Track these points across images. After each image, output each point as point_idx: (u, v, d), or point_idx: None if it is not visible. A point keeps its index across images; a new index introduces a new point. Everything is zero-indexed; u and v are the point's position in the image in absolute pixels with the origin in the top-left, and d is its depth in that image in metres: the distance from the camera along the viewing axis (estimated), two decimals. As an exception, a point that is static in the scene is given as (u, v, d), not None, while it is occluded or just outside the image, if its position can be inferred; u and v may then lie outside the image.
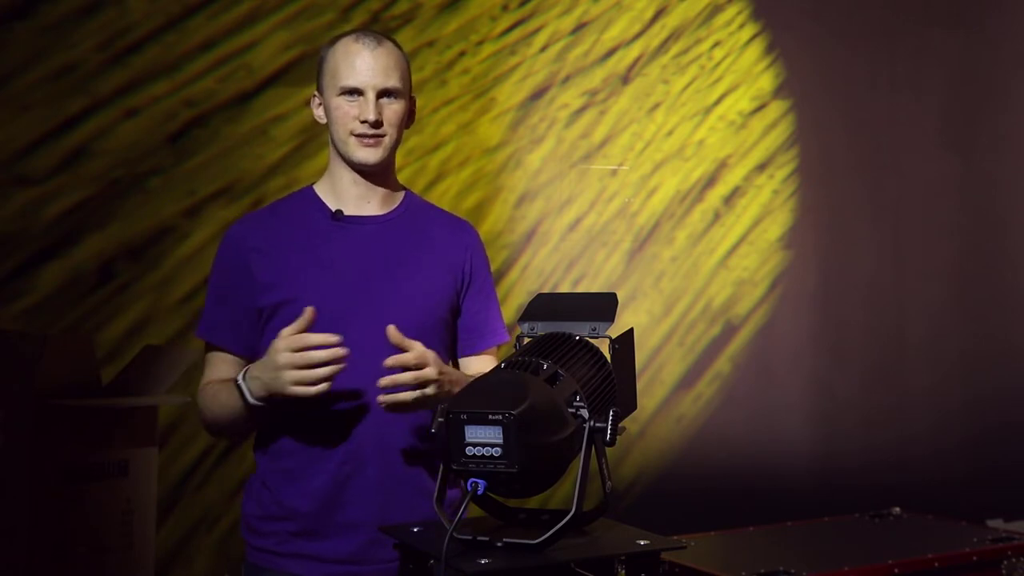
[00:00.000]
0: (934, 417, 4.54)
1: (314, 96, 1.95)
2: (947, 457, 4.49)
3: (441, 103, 3.58)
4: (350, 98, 1.86)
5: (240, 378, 1.77)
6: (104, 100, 3.05)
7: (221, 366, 1.91)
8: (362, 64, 1.85)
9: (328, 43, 1.92)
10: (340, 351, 1.68)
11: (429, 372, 1.72)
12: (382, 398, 1.73)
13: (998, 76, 4.82)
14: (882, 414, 4.43)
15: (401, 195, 2.00)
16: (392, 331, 1.73)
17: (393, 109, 1.88)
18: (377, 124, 1.85)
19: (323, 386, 1.68)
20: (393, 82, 1.87)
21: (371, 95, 1.85)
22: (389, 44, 1.90)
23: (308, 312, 1.70)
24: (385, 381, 1.71)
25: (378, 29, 3.34)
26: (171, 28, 3.14)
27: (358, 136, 1.86)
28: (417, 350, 1.73)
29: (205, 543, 3.11)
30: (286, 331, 1.69)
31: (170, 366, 2.52)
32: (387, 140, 1.88)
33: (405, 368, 1.72)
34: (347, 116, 1.86)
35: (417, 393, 1.72)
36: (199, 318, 1.95)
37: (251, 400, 1.75)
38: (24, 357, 2.31)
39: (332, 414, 1.83)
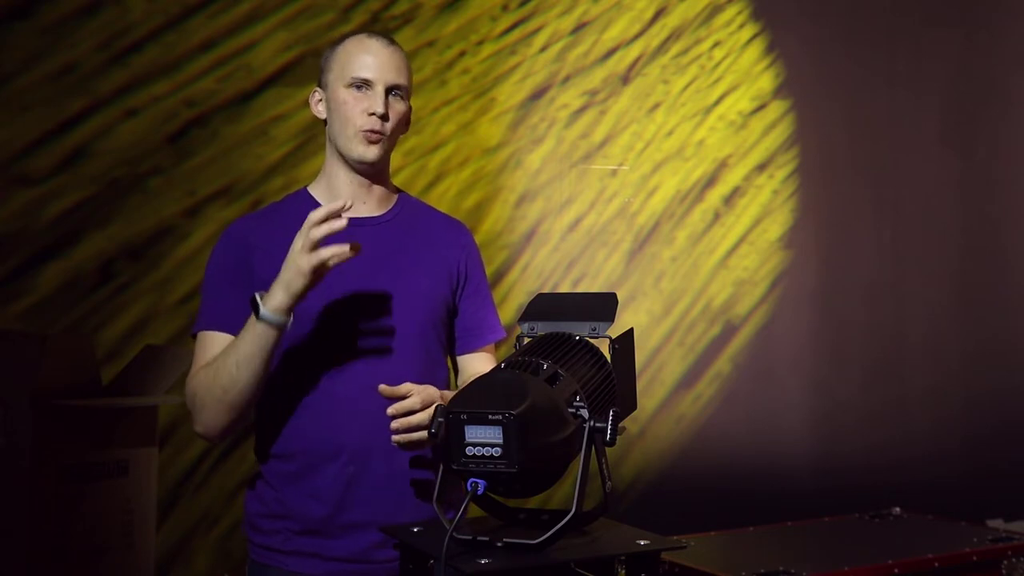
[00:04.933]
0: (934, 417, 4.54)
1: (315, 92, 1.94)
2: (947, 457, 4.49)
3: (441, 103, 3.58)
4: (358, 91, 1.86)
5: (256, 293, 1.73)
6: (104, 100, 3.05)
7: (217, 348, 1.83)
8: (375, 59, 1.87)
9: (335, 42, 1.93)
10: (339, 222, 1.67)
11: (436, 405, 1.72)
12: (398, 438, 1.73)
13: (998, 76, 4.83)
14: (882, 414, 4.43)
15: (396, 196, 2.00)
16: (383, 388, 1.74)
17: (398, 109, 1.89)
18: (385, 117, 1.86)
19: (336, 248, 1.67)
20: (403, 80, 1.89)
21: (380, 88, 1.86)
22: (399, 48, 1.93)
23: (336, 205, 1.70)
24: (400, 424, 1.72)
25: (378, 29, 3.36)
26: (171, 28, 3.14)
27: (365, 132, 1.86)
28: (418, 392, 1.74)
29: (205, 543, 3.11)
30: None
31: (170, 366, 2.52)
32: (388, 138, 1.89)
33: (411, 412, 1.73)
34: (354, 110, 1.86)
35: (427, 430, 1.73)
36: (196, 320, 1.89)
37: (262, 310, 1.69)
38: (24, 357, 2.31)
39: (334, 415, 1.83)
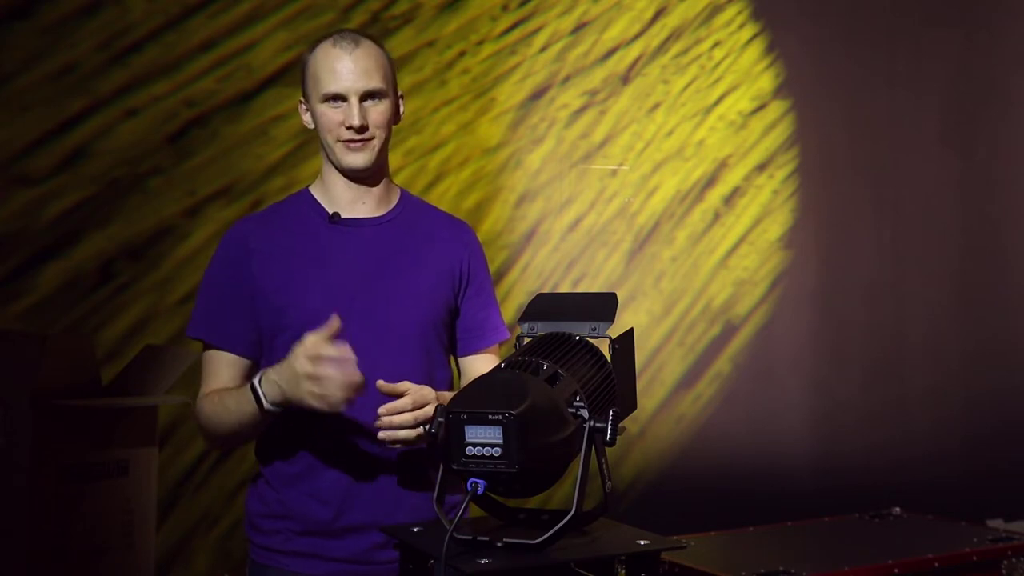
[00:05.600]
0: (934, 417, 4.54)
1: (300, 102, 1.93)
2: (947, 457, 4.49)
3: (441, 103, 3.58)
4: (334, 104, 1.85)
5: (256, 381, 1.73)
6: (104, 100, 3.05)
7: (223, 370, 1.87)
8: (342, 68, 1.83)
9: (308, 48, 1.91)
10: (356, 377, 1.64)
11: (430, 410, 1.71)
12: (383, 435, 1.73)
13: (998, 76, 4.82)
14: (882, 414, 4.43)
15: (397, 196, 1.99)
16: (381, 384, 1.73)
17: (378, 111, 1.86)
18: (363, 129, 1.84)
19: (341, 405, 1.65)
20: (375, 83, 1.85)
21: (354, 99, 1.84)
22: (368, 44, 1.87)
23: (334, 321, 1.65)
24: (384, 423, 1.71)
25: (378, 29, 3.37)
26: (171, 28, 3.14)
27: (345, 142, 1.85)
28: (412, 393, 1.73)
29: (205, 543, 3.11)
30: (309, 337, 1.64)
31: (170, 366, 2.52)
32: (375, 142, 1.87)
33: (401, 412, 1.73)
34: (332, 122, 1.85)
35: (420, 430, 1.72)
36: (189, 321, 1.91)
37: (267, 405, 1.71)
38: (24, 357, 2.31)
39: (335, 418, 1.83)
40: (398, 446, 1.76)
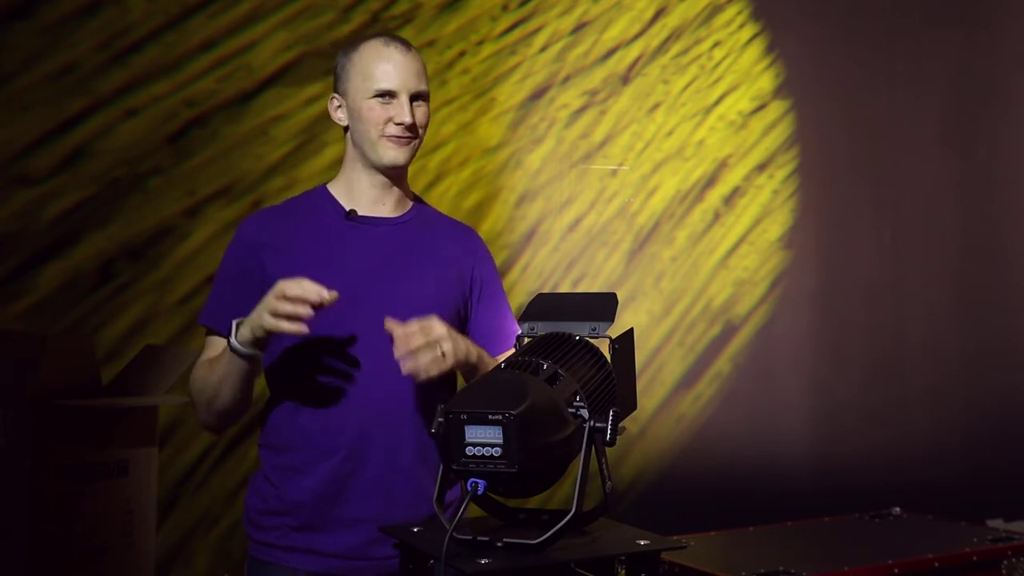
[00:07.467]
0: (934, 417, 4.54)
1: (333, 98, 1.96)
2: (947, 457, 4.50)
3: (441, 103, 3.58)
4: (383, 100, 1.89)
5: (234, 321, 1.77)
6: (104, 100, 3.05)
7: (219, 351, 1.89)
8: (395, 68, 1.89)
9: (349, 47, 1.94)
10: (326, 295, 1.68)
11: (438, 328, 1.72)
12: (405, 367, 1.72)
13: (998, 76, 4.83)
14: (882, 414, 4.43)
15: (412, 200, 2.03)
16: (388, 323, 1.75)
17: (423, 112, 1.93)
18: (412, 127, 1.89)
19: (295, 326, 1.67)
20: (423, 86, 1.92)
21: (405, 97, 1.89)
22: (415, 50, 1.95)
23: (327, 293, 1.70)
24: (401, 352, 1.71)
25: (378, 29, 3.37)
26: (171, 28, 3.14)
27: (390, 137, 1.89)
28: (419, 322, 1.74)
29: (205, 543, 3.11)
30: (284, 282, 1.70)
31: (170, 366, 2.52)
32: (416, 142, 1.93)
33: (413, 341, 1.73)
34: (380, 118, 1.89)
35: (434, 352, 1.72)
36: (202, 310, 1.94)
37: (232, 340, 1.74)
38: (24, 357, 2.31)
39: (338, 409, 1.84)
40: (428, 374, 1.74)
